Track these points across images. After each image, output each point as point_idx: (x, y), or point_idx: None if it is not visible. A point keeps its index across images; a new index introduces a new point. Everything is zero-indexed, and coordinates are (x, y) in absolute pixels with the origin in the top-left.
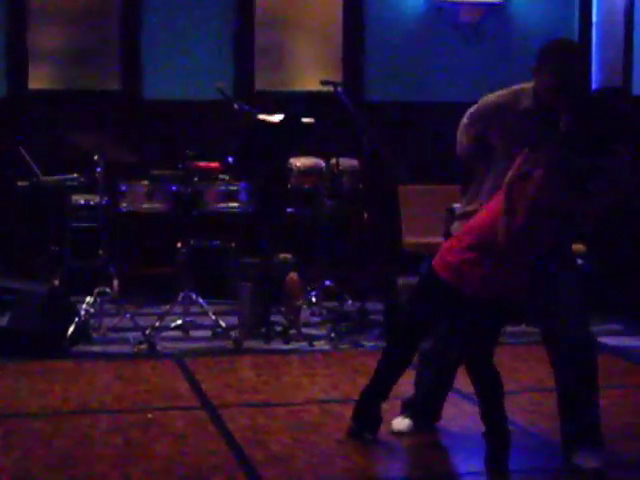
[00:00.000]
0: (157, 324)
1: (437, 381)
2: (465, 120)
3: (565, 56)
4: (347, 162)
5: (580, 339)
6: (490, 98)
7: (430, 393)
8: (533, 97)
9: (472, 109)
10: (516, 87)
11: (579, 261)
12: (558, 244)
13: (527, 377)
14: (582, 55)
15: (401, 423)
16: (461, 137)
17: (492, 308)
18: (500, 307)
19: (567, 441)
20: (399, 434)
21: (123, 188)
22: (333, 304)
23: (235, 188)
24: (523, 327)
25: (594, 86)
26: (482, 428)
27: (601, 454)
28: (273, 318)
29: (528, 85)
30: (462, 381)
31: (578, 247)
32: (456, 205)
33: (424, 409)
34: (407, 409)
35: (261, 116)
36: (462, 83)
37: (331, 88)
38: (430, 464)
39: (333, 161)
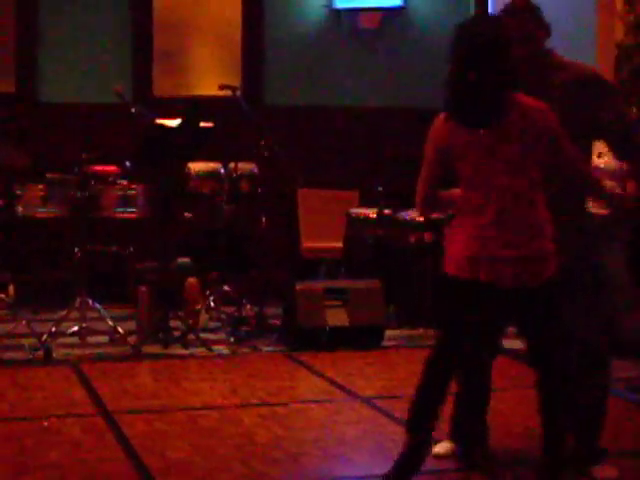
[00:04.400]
0: (53, 330)
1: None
2: None
3: None
4: (246, 166)
5: None
6: None
7: (461, 414)
8: None
9: None
10: None
11: None
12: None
13: None
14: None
15: (442, 446)
16: None
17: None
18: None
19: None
20: (438, 457)
21: (18, 192)
22: (231, 309)
23: (133, 192)
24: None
25: None
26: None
27: None
28: (172, 323)
29: None
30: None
31: None
32: (353, 210)
33: (462, 432)
34: (452, 434)
35: (159, 120)
36: (362, 87)
37: (230, 92)
38: (331, 467)
39: (232, 165)
